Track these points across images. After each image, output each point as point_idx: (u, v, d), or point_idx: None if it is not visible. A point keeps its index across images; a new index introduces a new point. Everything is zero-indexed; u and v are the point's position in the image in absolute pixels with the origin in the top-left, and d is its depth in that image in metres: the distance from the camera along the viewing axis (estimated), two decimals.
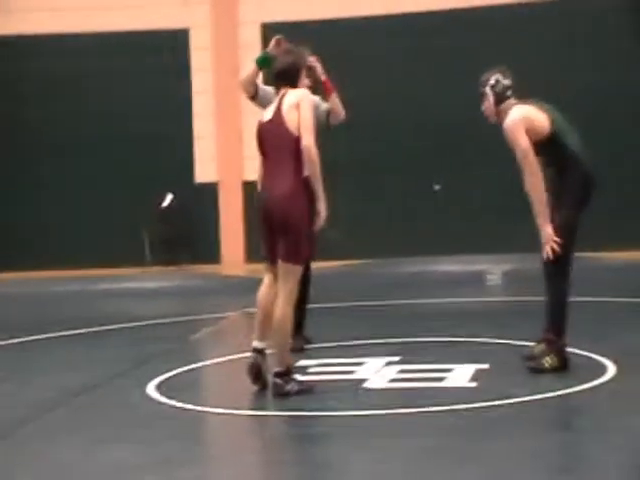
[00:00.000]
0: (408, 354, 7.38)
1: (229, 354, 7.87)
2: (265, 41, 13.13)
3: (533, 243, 12.43)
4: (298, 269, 6.35)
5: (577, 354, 7.15)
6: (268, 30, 13.03)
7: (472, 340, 7.27)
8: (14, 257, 13.65)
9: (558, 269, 6.72)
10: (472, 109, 10.96)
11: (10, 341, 9.04)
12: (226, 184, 13.68)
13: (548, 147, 6.65)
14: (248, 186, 12.98)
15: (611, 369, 6.64)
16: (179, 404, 6.33)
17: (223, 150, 13.61)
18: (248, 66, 7.70)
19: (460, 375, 6.65)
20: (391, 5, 12.95)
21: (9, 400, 6.74)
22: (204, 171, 13.71)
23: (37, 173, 13.84)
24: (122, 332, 9.32)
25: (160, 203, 13.84)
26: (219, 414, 6.23)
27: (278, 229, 6.31)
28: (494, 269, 11.65)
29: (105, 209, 13.81)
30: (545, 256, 6.63)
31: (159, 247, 13.91)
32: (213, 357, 7.99)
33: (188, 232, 13.80)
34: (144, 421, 6.14)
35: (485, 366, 6.87)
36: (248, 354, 6.68)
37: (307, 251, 6.40)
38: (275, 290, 6.42)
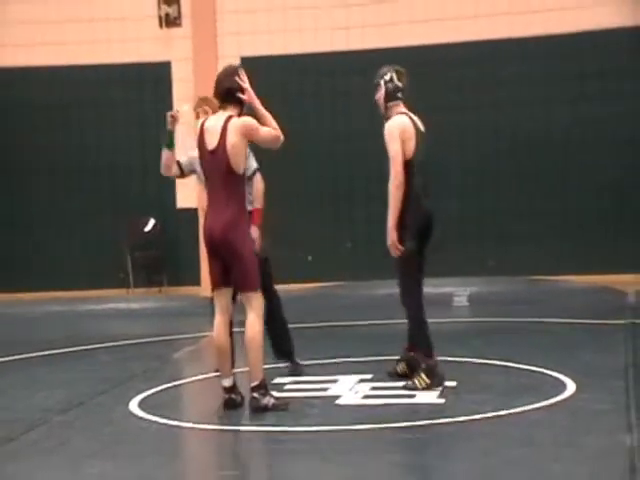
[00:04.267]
0: (380, 372, 7.35)
1: (208, 372, 7.82)
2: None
3: (497, 266, 12.49)
4: (257, 295, 6.37)
5: (539, 372, 7.22)
6: (247, 63, 13.07)
7: (440, 359, 7.26)
8: (7, 276, 13.54)
9: (407, 295, 6.96)
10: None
11: None
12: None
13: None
14: None
15: (571, 387, 6.68)
16: (161, 420, 6.32)
17: None
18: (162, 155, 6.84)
19: (429, 392, 6.66)
20: (366, 41, 12.97)
21: None
22: (185, 197, 13.65)
23: (26, 197, 13.76)
24: (105, 351, 9.26)
25: (143, 228, 13.82)
26: (199, 430, 6.23)
27: (225, 257, 6.32)
28: (460, 291, 11.69)
29: (90, 233, 13.71)
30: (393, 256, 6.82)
31: (142, 270, 13.86)
32: (193, 375, 7.94)
33: (169, 255, 13.77)
34: (127, 437, 6.12)
35: (452, 384, 6.88)
36: (236, 369, 6.67)
37: (258, 279, 6.38)
38: (227, 321, 6.47)
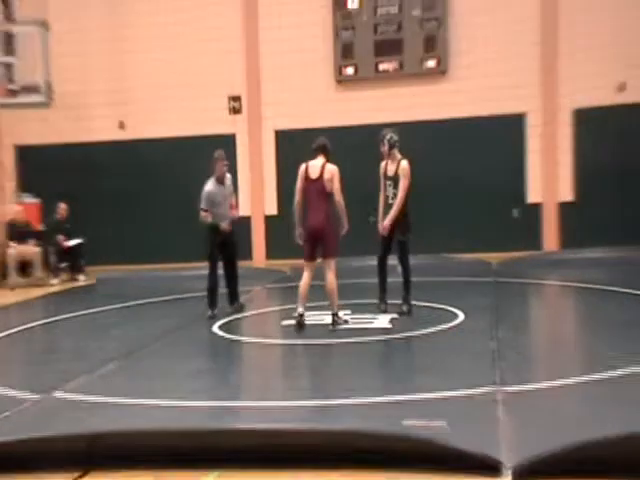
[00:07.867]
0: (356, 310, 7.26)
1: (257, 309, 7.80)
2: (277, 141, 13.25)
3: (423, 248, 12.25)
4: (334, 260, 6.41)
5: (443, 308, 7.14)
6: (279, 134, 13.17)
7: (390, 302, 7.34)
8: (132, 254, 12.98)
9: (409, 263, 6.93)
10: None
11: (129, 303, 8.64)
12: (256, 217, 13.71)
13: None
14: (267, 218, 12.86)
15: (461, 316, 6.73)
16: (232, 337, 6.33)
17: (255, 196, 13.59)
18: None
19: (383, 321, 6.68)
20: (356, 119, 12.36)
21: (130, 335, 6.63)
22: (244, 209, 13.60)
23: (157, 206, 13.16)
24: (196, 299, 8.89)
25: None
26: (255, 342, 6.22)
27: (318, 240, 6.35)
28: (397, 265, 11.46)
29: (185, 229, 13.26)
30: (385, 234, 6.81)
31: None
32: (248, 311, 7.77)
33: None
34: (211, 346, 6.19)
35: (396, 316, 6.87)
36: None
37: (337, 251, 6.41)
38: (311, 280, 6.46)
